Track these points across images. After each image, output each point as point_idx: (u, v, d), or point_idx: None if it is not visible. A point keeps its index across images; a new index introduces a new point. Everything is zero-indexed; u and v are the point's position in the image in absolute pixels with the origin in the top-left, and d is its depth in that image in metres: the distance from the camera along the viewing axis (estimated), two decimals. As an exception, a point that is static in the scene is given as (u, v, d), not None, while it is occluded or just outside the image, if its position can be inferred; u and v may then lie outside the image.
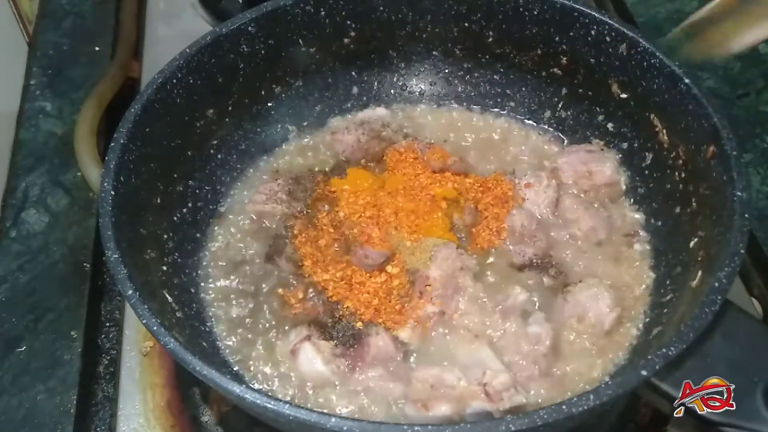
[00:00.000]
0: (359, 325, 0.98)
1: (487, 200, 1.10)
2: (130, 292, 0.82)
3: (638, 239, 1.09)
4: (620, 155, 1.14)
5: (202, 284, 1.06)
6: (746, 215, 0.85)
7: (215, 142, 1.15)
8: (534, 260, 1.06)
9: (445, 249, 1.03)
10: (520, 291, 1.00)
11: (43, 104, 1.34)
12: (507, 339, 0.96)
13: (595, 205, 1.12)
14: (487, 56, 1.23)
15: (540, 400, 0.92)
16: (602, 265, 1.07)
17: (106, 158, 0.93)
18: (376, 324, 0.98)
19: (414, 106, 1.28)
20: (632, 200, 1.13)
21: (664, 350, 0.76)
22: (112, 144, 0.94)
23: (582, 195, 1.12)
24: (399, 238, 1.06)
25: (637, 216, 1.11)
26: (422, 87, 1.28)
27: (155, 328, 0.80)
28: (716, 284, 0.80)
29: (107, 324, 1.13)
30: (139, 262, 0.92)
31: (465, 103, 1.27)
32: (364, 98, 1.27)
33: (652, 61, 1.04)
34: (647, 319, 0.99)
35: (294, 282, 1.04)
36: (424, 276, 1.01)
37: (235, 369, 0.97)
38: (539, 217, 1.10)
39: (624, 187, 1.13)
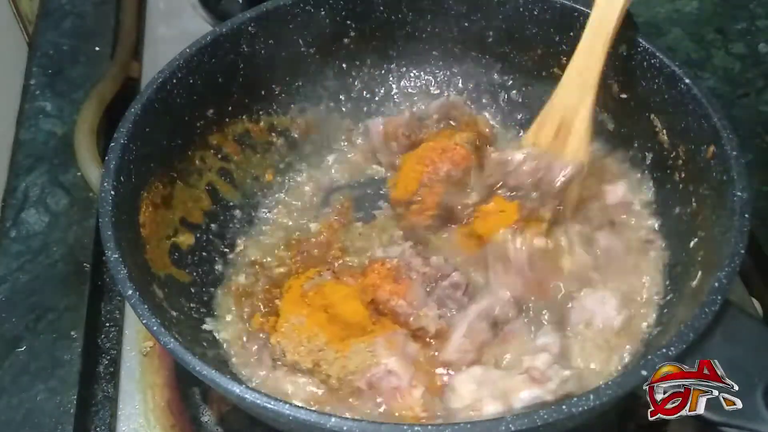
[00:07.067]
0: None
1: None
2: (130, 292, 0.82)
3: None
4: (626, 163, 1.12)
5: (202, 284, 1.06)
6: (746, 215, 0.85)
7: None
8: None
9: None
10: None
11: (43, 104, 1.34)
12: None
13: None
14: (487, 56, 1.23)
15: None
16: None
17: (106, 158, 0.93)
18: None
19: (414, 106, 1.27)
20: (632, 200, 1.12)
21: (664, 350, 0.76)
22: (112, 144, 0.94)
23: None
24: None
25: (636, 216, 1.11)
26: (422, 87, 1.28)
27: (155, 328, 0.80)
28: (716, 284, 0.80)
29: (107, 324, 1.13)
30: (139, 262, 0.92)
31: (465, 103, 1.27)
32: (365, 98, 1.27)
33: (652, 61, 1.04)
34: (647, 320, 0.99)
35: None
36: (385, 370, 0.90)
37: (235, 369, 0.97)
38: None
39: (638, 208, 1.08)
